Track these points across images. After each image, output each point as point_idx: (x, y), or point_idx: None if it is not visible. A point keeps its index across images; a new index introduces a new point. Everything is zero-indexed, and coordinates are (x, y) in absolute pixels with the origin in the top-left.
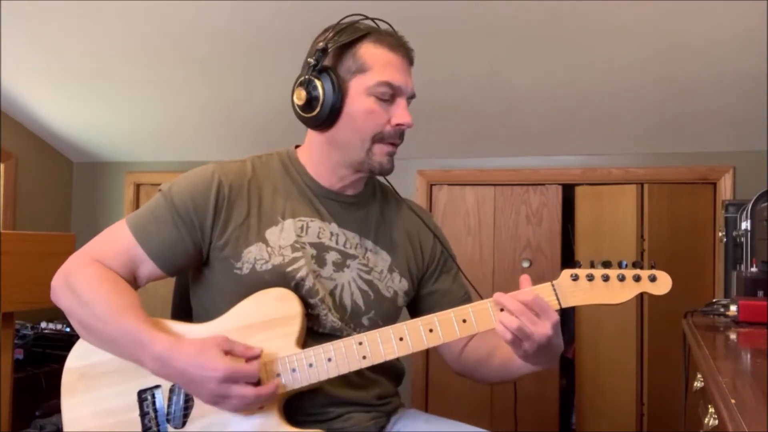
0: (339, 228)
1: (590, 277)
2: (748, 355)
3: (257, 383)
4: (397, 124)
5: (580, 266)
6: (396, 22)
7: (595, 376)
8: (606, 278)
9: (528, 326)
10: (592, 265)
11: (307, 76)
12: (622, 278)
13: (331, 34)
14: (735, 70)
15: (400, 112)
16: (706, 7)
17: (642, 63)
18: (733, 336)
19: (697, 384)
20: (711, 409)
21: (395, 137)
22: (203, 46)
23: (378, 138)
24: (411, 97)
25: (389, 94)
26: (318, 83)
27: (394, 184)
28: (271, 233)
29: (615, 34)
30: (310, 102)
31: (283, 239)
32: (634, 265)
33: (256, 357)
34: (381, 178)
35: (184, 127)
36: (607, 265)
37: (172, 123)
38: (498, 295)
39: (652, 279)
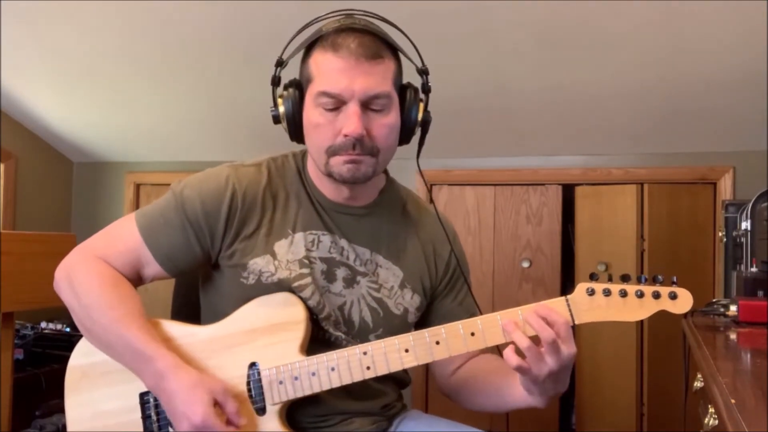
0: (349, 244)
1: (607, 292)
2: (748, 355)
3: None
4: (344, 135)
5: (596, 279)
6: (395, 22)
7: (595, 376)
8: (624, 294)
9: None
10: (610, 279)
11: (273, 90)
12: (640, 294)
13: (289, 42)
14: (735, 70)
15: (346, 122)
16: (706, 7)
17: (642, 63)
18: (733, 336)
19: (697, 384)
20: (711, 409)
21: (347, 148)
22: (204, 45)
23: (331, 151)
24: (374, 97)
25: (332, 103)
26: (279, 99)
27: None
28: (279, 246)
29: (615, 35)
30: (277, 117)
31: (291, 253)
32: (654, 280)
33: (237, 427)
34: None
35: (185, 127)
36: (625, 278)
37: (172, 123)
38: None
39: (673, 297)
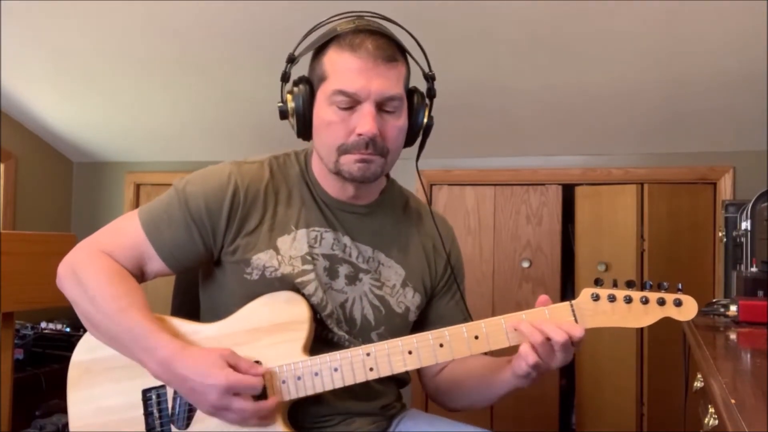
0: (352, 242)
1: (612, 298)
2: (748, 355)
3: (260, 397)
4: (358, 134)
5: (601, 284)
6: (393, 22)
7: (595, 376)
8: (628, 300)
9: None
10: (615, 284)
11: (282, 86)
12: (645, 301)
13: (302, 40)
14: (735, 70)
15: (361, 121)
16: (706, 7)
17: (642, 63)
18: (733, 336)
19: (697, 384)
20: (711, 409)
21: (360, 147)
22: (204, 45)
23: (343, 150)
24: (388, 99)
25: (347, 102)
26: (288, 95)
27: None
28: (282, 242)
29: (615, 34)
30: (284, 112)
31: (294, 249)
32: (659, 287)
33: (260, 375)
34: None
35: (185, 127)
36: (630, 284)
37: (173, 123)
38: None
39: (678, 304)
